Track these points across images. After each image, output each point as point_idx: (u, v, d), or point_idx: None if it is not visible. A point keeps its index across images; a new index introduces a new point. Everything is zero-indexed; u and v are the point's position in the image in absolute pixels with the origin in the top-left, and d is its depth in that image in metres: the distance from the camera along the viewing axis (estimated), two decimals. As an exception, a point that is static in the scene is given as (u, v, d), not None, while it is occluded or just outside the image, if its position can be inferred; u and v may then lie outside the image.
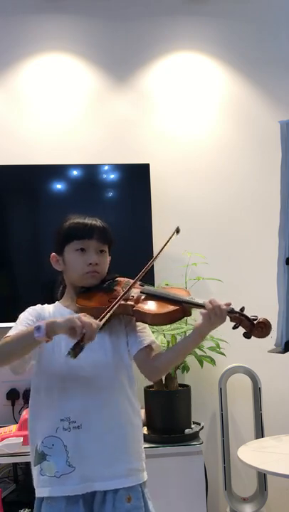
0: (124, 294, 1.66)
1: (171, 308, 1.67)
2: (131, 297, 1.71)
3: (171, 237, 1.80)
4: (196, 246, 3.01)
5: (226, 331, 2.69)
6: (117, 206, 3.14)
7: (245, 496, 2.92)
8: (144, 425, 2.74)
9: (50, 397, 1.67)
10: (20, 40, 3.22)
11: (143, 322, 1.72)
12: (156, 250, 3.01)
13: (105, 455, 1.64)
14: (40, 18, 3.23)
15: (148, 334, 1.76)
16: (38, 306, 1.79)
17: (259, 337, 1.61)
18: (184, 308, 1.67)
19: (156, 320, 1.70)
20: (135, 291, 1.73)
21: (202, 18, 3.31)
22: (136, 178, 3.13)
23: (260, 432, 2.92)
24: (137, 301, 1.70)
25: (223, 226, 3.21)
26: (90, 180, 3.12)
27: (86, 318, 1.48)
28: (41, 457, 1.65)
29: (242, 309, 1.62)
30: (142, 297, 1.72)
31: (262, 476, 2.90)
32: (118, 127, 3.22)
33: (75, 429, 1.63)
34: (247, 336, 1.61)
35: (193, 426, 2.73)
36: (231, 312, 1.60)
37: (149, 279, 2.90)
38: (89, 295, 1.73)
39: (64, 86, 3.24)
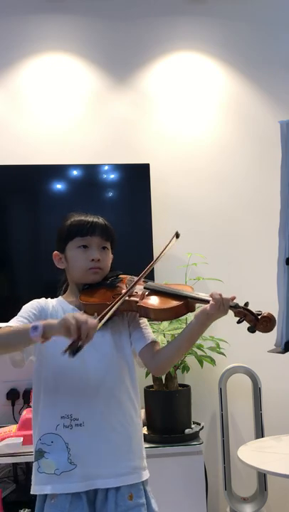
0: (128, 290, 1.67)
1: (175, 303, 1.66)
2: (135, 293, 1.71)
3: (170, 241, 1.79)
4: (196, 246, 3.01)
5: (225, 331, 2.71)
6: (117, 206, 3.14)
7: (245, 496, 2.92)
8: (144, 425, 2.74)
9: (51, 394, 1.67)
10: (21, 40, 3.22)
11: (147, 317, 1.72)
12: (156, 250, 3.01)
13: (107, 453, 1.64)
14: (40, 18, 3.24)
15: (150, 331, 1.76)
16: (42, 299, 1.79)
17: (263, 331, 1.60)
18: (188, 303, 1.66)
19: (160, 315, 1.70)
20: (139, 287, 1.73)
21: (202, 18, 3.31)
22: (136, 178, 3.13)
23: (260, 432, 2.92)
24: (141, 296, 1.70)
25: (223, 226, 3.21)
26: (90, 180, 3.12)
27: (82, 316, 1.45)
28: (39, 455, 1.66)
29: (246, 304, 1.63)
30: (146, 293, 1.72)
31: (262, 476, 2.89)
32: (118, 127, 3.22)
33: (77, 426, 1.63)
34: (251, 330, 1.61)
35: (193, 426, 2.73)
36: (235, 307, 1.60)
37: (149, 279, 2.91)
38: (92, 291, 1.73)
39: (64, 86, 3.24)
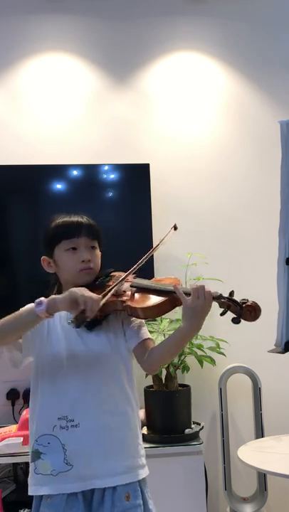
0: (113, 287, 1.65)
1: (160, 299, 1.64)
2: (122, 292, 1.69)
3: (168, 234, 1.79)
4: (196, 246, 3.01)
5: (225, 330, 2.71)
6: (117, 206, 3.14)
7: (245, 495, 2.92)
8: (144, 425, 2.74)
9: (47, 395, 1.67)
10: (21, 40, 3.22)
11: (136, 317, 1.70)
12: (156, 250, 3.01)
13: (103, 453, 1.63)
14: (40, 18, 3.24)
15: (145, 330, 1.75)
16: None
17: (249, 320, 1.57)
18: (173, 298, 1.63)
19: (147, 313, 1.67)
20: (126, 285, 1.71)
21: (202, 18, 3.31)
22: (136, 178, 3.13)
23: (260, 432, 2.92)
24: (128, 295, 1.68)
25: (223, 226, 3.22)
26: (90, 180, 3.12)
27: (86, 291, 1.53)
28: (35, 455, 1.66)
29: (231, 294, 1.59)
30: (133, 291, 1.70)
31: (262, 476, 2.90)
32: (118, 127, 3.22)
33: (73, 427, 1.63)
34: (236, 321, 1.57)
35: (193, 426, 2.73)
36: (218, 298, 1.58)
37: (149, 279, 2.91)
38: None
39: (64, 86, 3.24)
